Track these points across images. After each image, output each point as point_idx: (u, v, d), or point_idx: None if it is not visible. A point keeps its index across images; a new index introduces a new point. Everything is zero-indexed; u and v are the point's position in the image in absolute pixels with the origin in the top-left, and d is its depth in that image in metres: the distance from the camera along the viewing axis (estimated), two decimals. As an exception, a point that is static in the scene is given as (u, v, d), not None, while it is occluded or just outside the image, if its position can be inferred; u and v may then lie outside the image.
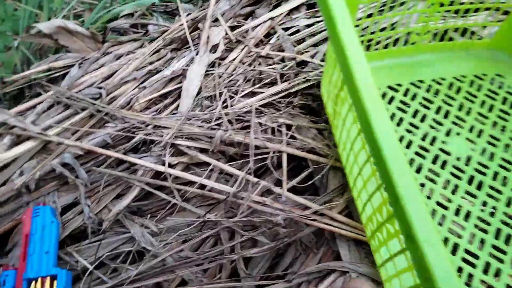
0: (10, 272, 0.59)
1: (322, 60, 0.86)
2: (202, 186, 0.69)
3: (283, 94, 0.78)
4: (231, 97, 0.77)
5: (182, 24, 0.96)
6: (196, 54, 0.84)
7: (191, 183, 0.69)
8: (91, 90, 0.77)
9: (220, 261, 0.64)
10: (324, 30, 0.93)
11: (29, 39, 0.87)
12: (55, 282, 0.58)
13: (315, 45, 0.91)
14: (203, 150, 0.71)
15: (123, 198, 0.69)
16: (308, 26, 0.96)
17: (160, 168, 0.66)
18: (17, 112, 0.74)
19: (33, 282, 0.58)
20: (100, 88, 0.78)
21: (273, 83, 0.82)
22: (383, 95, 0.77)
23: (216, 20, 0.96)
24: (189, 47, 0.89)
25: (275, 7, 1.04)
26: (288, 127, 0.73)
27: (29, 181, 0.67)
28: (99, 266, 0.65)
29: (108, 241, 0.67)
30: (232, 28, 0.94)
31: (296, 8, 1.01)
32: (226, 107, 0.75)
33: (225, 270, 0.64)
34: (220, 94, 0.77)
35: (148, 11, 1.07)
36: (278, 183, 0.69)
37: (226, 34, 0.90)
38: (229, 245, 0.65)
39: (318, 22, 0.96)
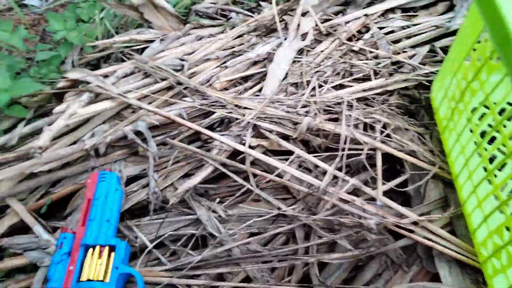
0: (68, 235, 0.54)
1: (422, 63, 0.77)
2: (278, 176, 0.62)
3: (377, 91, 0.70)
4: (319, 86, 0.70)
5: (264, 17, 0.92)
6: (285, 39, 0.78)
7: (266, 171, 0.63)
8: (173, 61, 0.73)
9: (291, 261, 0.56)
10: (423, 33, 0.85)
11: (117, 8, 0.85)
12: (113, 254, 0.53)
13: (412, 47, 0.83)
14: (284, 138, 0.65)
15: (192, 177, 0.63)
16: (404, 28, 0.88)
17: (240, 148, 0.60)
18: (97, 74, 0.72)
19: (91, 249, 0.53)
20: (183, 60, 0.74)
21: (365, 79, 0.74)
22: None
23: (305, 14, 0.91)
24: (275, 34, 0.84)
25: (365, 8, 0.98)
26: (383, 125, 0.65)
27: (99, 144, 0.63)
28: (158, 246, 0.59)
29: (171, 221, 0.61)
30: (322, 22, 0.88)
31: (391, 10, 0.94)
32: (314, 96, 0.68)
33: (296, 273, 0.56)
34: (308, 82, 0.71)
35: (231, 1, 1.05)
36: (366, 184, 0.60)
37: (316, 25, 0.84)
38: (304, 246, 0.56)
39: (415, 25, 0.88)
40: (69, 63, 0.88)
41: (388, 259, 0.56)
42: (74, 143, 0.64)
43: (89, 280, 0.50)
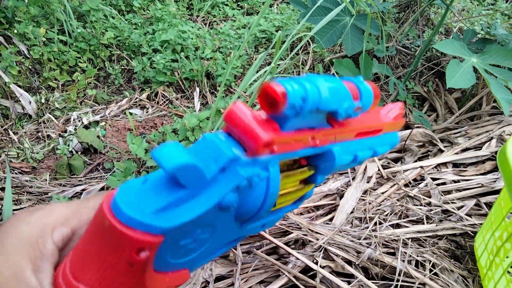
0: None
1: (468, 215, 0.91)
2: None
3: (428, 234, 0.84)
4: (379, 223, 0.86)
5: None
6: (352, 179, 0.97)
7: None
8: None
9: None
10: (471, 188, 1.00)
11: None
12: None
13: (460, 198, 0.98)
14: (347, 263, 0.79)
15: (269, 285, 0.78)
16: (455, 181, 1.04)
17: (313, 266, 0.75)
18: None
19: None
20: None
21: (418, 221, 0.89)
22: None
23: (368, 157, 1.10)
24: (344, 172, 1.04)
25: (420, 159, 1.17)
26: (432, 264, 0.78)
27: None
28: (235, 338, 0.72)
29: (247, 319, 0.74)
30: (383, 167, 1.07)
31: (444, 164, 1.11)
32: (375, 230, 0.84)
33: None
34: (370, 218, 0.87)
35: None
36: (416, 315, 0.71)
37: (379, 170, 1.03)
38: None
39: (466, 180, 1.04)
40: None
41: None
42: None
43: None
